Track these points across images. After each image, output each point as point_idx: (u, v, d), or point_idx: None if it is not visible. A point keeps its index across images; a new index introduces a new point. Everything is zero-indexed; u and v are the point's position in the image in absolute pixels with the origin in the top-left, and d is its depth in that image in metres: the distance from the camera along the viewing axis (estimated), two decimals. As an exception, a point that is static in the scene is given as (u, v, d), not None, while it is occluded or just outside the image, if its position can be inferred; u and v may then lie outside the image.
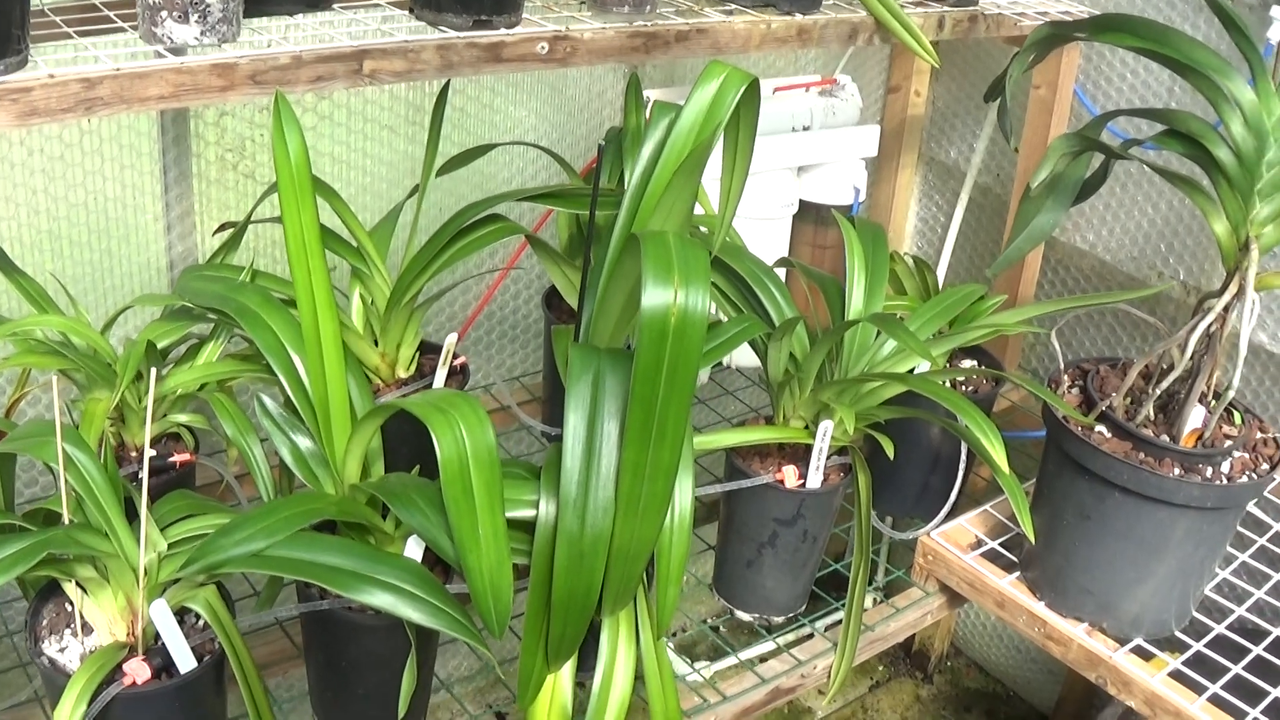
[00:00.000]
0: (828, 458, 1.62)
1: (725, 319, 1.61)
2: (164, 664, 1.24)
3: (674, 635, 2.93)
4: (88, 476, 1.24)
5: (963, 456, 1.89)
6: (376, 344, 1.69)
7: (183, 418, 1.57)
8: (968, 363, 2.01)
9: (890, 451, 1.60)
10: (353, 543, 1.22)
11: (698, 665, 1.70)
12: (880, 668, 3.00)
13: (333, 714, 1.46)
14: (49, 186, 1.79)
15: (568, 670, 1.33)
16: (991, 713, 2.88)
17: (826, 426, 1.57)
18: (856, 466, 1.64)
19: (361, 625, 1.34)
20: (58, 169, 1.79)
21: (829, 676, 1.74)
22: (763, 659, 1.73)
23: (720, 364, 2.27)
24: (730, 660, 1.69)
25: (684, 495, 1.27)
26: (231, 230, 1.66)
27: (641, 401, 1.12)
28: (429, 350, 1.76)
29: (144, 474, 1.19)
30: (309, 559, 1.19)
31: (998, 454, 1.52)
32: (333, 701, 1.44)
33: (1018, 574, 1.79)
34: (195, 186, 1.92)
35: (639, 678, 1.36)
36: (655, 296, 1.08)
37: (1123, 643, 1.68)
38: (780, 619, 1.74)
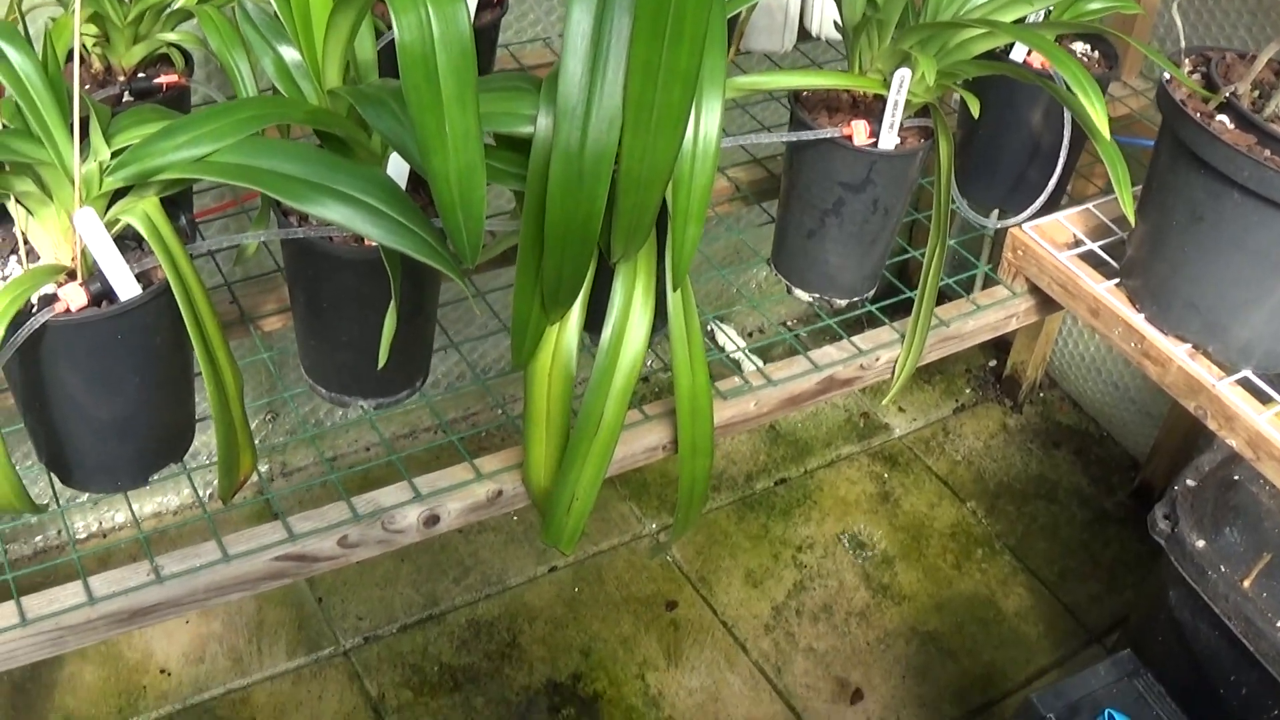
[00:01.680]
0: (906, 117, 1.41)
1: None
2: (107, 291, 1.08)
3: (749, 336, 2.78)
4: (24, 78, 1.06)
5: (1064, 145, 1.67)
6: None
7: (172, 36, 1.43)
8: (1078, 45, 1.77)
9: (975, 110, 1.39)
10: (313, 150, 1.04)
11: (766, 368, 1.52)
12: (967, 391, 2.83)
13: (317, 363, 1.32)
14: None
15: (573, 324, 1.16)
16: (1081, 452, 2.72)
17: (903, 75, 1.35)
18: (938, 128, 1.42)
19: (340, 258, 1.18)
20: None
21: (892, 373, 1.56)
22: (819, 346, 1.55)
23: (808, 34, 2.05)
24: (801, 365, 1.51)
25: (710, 116, 1.06)
26: None
27: (653, -15, 0.92)
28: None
29: (74, 45, 1.02)
30: (259, 165, 1.01)
31: (1098, 116, 1.32)
32: (315, 349, 1.30)
33: (1117, 281, 1.60)
34: None
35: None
36: None
37: (1229, 371, 1.49)
38: (843, 302, 1.55)
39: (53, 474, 1.23)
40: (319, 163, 1.02)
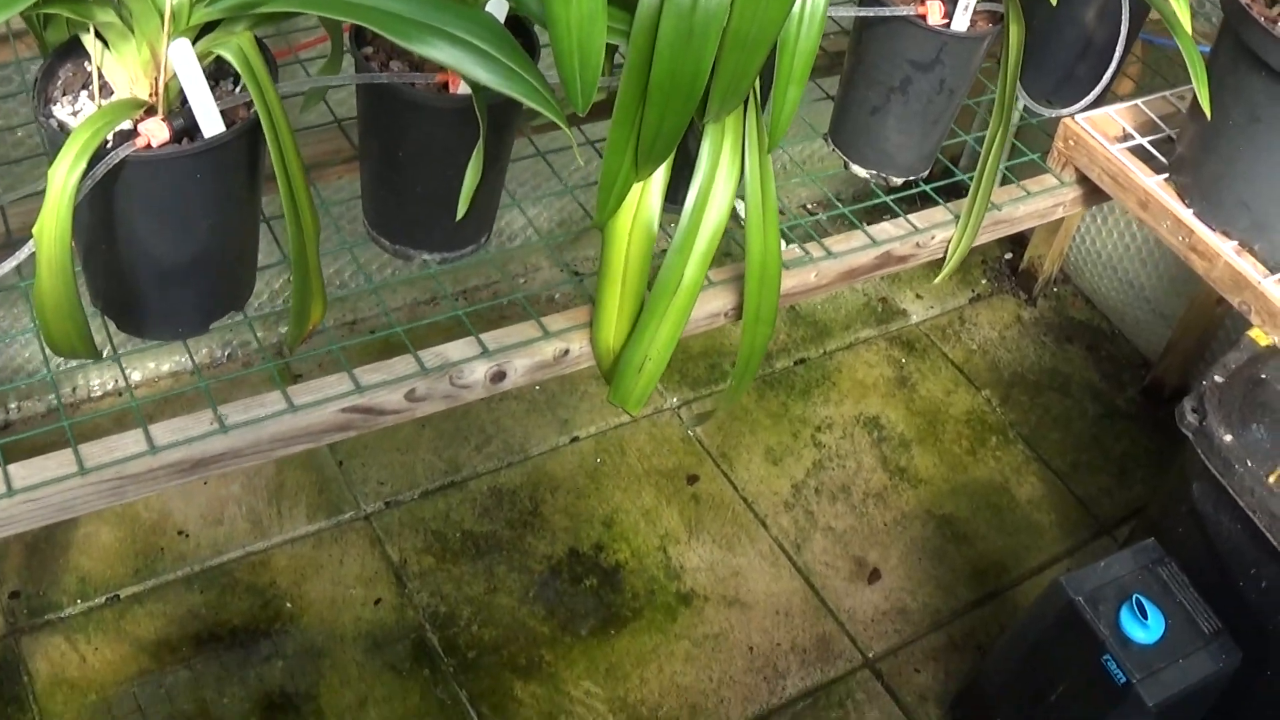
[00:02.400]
0: (976, 2, 1.40)
1: None
2: (188, 128, 1.06)
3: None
4: (113, -98, 1.04)
5: (1120, 41, 1.66)
6: None
7: None
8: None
9: (1054, -3, 1.38)
10: (419, -11, 1.02)
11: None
12: (984, 281, 2.83)
13: (384, 215, 1.30)
14: None
15: (657, 185, 1.15)
16: (1093, 348, 2.72)
17: (983, -46, 1.34)
18: (1009, 12, 1.41)
19: (424, 106, 1.16)
20: None
21: (945, 252, 1.56)
22: (876, 221, 1.55)
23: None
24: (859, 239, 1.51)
25: (819, -20, 1.05)
26: None
27: None
28: None
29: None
30: (364, 1, 0.99)
31: (1182, 12, 1.31)
32: (385, 200, 1.28)
33: (1166, 175, 1.61)
34: None
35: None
36: None
37: (1274, 270, 1.51)
38: (900, 180, 1.55)
39: (109, 320, 1.21)
40: (424, 2, 0.99)
